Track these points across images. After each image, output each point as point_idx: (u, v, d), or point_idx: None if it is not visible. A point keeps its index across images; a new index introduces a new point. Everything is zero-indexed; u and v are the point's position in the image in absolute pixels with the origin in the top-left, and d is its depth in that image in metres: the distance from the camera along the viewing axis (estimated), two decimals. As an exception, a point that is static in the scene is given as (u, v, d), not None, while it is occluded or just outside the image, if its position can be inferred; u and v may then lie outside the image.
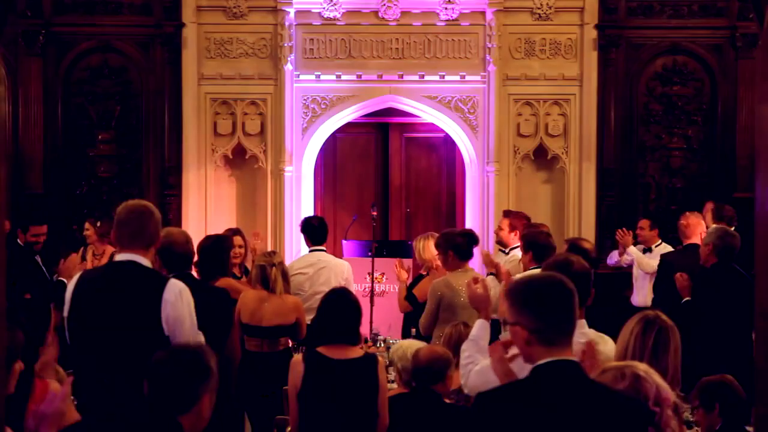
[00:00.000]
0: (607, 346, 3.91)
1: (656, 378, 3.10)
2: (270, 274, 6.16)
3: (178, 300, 4.13)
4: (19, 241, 7.80)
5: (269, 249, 8.68)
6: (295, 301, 6.29)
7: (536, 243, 5.85)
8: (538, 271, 5.86)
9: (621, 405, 2.80)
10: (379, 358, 4.64)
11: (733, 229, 8.24)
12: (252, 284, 6.43)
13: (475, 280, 4.16)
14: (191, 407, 3.00)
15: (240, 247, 7.34)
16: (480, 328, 4.03)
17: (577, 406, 2.72)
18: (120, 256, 4.20)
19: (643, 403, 2.94)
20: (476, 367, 3.86)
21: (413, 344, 5.12)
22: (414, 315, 6.89)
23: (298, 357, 4.61)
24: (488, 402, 2.79)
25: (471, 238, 6.49)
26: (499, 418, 2.73)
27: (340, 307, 4.57)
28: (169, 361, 3.04)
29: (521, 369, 3.01)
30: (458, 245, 6.40)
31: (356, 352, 4.56)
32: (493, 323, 4.13)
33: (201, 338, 4.32)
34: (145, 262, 4.19)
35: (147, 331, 4.01)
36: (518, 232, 7.62)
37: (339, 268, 7.12)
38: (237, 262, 7.24)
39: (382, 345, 6.98)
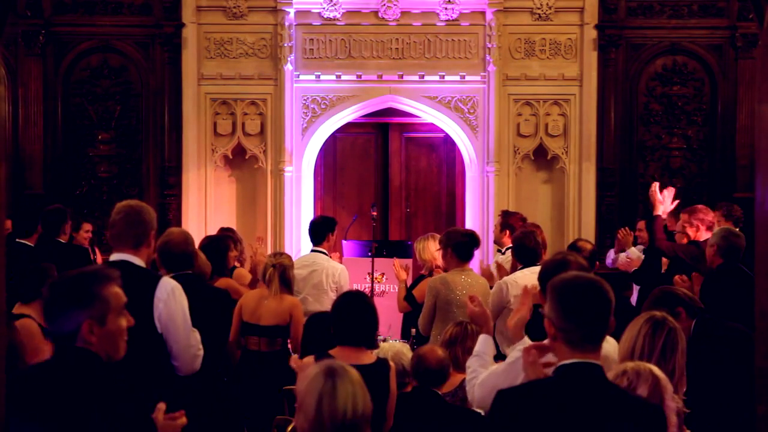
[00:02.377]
0: (609, 346, 3.91)
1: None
2: (266, 273, 6.18)
3: (170, 298, 4.15)
4: (61, 239, 7.75)
5: (270, 251, 8.64)
6: (292, 301, 6.27)
7: (515, 244, 6.21)
8: (526, 270, 5.97)
9: (639, 409, 2.80)
10: (391, 364, 4.63)
11: (738, 229, 8.25)
12: (260, 283, 6.47)
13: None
14: (75, 334, 2.92)
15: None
16: (483, 343, 4.04)
17: (596, 409, 2.72)
18: (113, 257, 4.22)
19: (660, 407, 2.94)
20: (478, 381, 3.87)
21: (393, 347, 5.14)
22: (413, 315, 6.89)
23: (309, 359, 4.57)
24: (508, 399, 2.79)
25: (472, 240, 6.49)
26: (518, 415, 2.73)
27: (355, 312, 4.55)
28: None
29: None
30: (459, 244, 6.41)
31: (369, 357, 4.54)
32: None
33: (196, 335, 4.32)
34: (138, 261, 4.20)
35: (140, 330, 3.99)
36: (508, 232, 7.67)
37: (331, 271, 7.05)
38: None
39: (382, 345, 6.97)
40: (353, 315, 4.52)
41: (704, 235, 7.17)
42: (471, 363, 4.02)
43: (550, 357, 3.36)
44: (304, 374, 2.78)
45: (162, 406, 3.08)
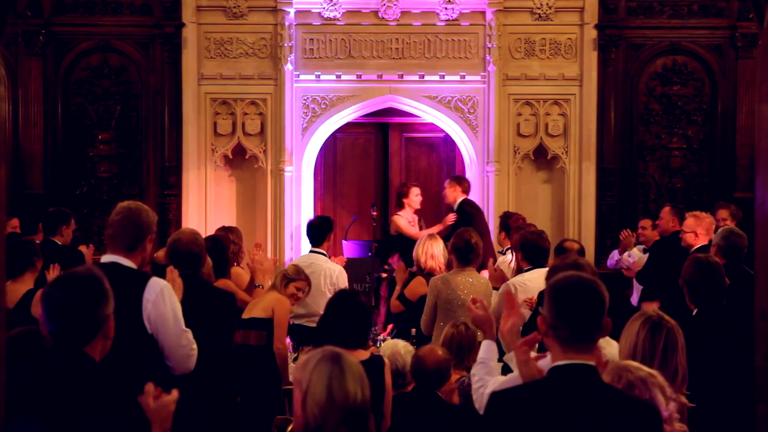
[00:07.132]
0: (611, 348, 3.89)
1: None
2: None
3: (159, 298, 4.11)
4: (58, 240, 7.72)
5: (270, 256, 8.57)
6: (277, 297, 6.16)
7: (525, 244, 6.04)
8: (534, 272, 5.91)
9: (634, 409, 2.80)
10: (386, 360, 4.63)
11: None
12: (259, 289, 6.51)
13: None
14: (96, 335, 2.92)
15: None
16: (486, 349, 3.91)
17: (591, 410, 2.71)
18: (104, 258, 4.21)
19: (656, 407, 2.93)
20: (487, 390, 3.76)
21: (396, 344, 5.14)
22: (408, 315, 6.87)
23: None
24: (503, 401, 2.79)
25: (469, 250, 6.44)
26: (513, 417, 2.73)
27: (347, 311, 4.53)
28: (62, 292, 2.93)
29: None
30: (459, 249, 6.42)
31: (363, 354, 4.53)
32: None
33: (189, 335, 4.27)
34: (128, 263, 4.16)
35: (130, 331, 3.95)
36: (504, 233, 7.67)
37: (329, 272, 7.02)
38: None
39: (382, 345, 6.97)
40: (346, 318, 4.48)
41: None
42: (476, 371, 3.90)
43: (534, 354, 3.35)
44: (303, 361, 2.75)
45: (150, 388, 3.04)
